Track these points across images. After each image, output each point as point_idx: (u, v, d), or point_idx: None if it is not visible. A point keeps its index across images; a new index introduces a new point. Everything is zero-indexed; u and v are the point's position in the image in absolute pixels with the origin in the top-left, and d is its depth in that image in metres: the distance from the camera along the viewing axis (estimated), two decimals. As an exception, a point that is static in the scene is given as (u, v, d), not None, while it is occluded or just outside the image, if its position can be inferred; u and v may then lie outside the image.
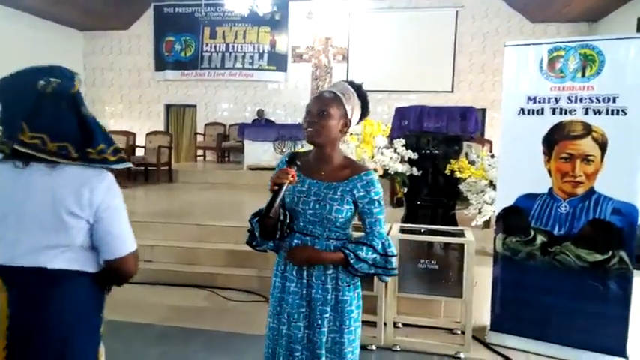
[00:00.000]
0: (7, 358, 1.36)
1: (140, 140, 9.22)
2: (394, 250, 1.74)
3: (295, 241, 1.71)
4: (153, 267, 4.64)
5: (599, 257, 2.91)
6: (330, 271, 1.70)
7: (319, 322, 1.69)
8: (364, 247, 1.67)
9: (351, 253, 1.66)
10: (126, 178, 8.21)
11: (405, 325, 3.50)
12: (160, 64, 11.67)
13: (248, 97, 11.41)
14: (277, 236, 1.72)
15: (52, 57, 10.56)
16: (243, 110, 11.45)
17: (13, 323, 1.35)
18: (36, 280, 1.35)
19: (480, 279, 3.41)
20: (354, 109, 1.72)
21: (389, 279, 1.81)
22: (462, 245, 3.13)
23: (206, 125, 11.20)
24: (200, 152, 11.21)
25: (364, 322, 3.36)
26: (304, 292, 1.71)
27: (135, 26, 11.73)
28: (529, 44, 3.12)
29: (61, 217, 1.34)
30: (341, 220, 1.67)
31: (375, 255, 1.69)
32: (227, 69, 11.37)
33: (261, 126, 9.88)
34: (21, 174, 1.35)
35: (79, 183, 1.36)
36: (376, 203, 1.70)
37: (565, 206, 3.02)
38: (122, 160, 1.45)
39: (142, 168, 8.90)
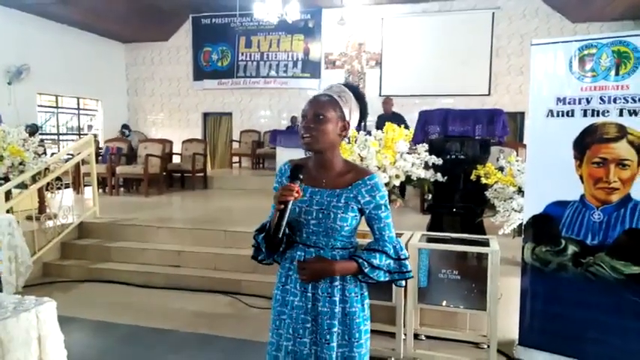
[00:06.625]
0: None
1: (177, 148, 9.42)
2: (406, 252, 1.67)
3: (299, 253, 1.64)
4: (180, 272, 4.69)
5: (636, 269, 2.69)
6: (336, 283, 1.62)
7: (327, 337, 1.60)
8: (377, 254, 1.60)
9: (365, 262, 1.59)
10: (164, 185, 8.41)
11: (428, 337, 3.37)
12: (198, 73, 11.97)
13: (283, 105, 11.50)
14: (281, 249, 1.66)
15: (97, 68, 11.14)
16: (279, 117, 11.55)
17: None
18: None
19: (510, 290, 3.24)
20: (352, 111, 1.65)
21: (404, 283, 1.72)
22: (485, 255, 2.97)
23: (241, 132, 11.36)
24: (235, 159, 11.37)
25: (383, 333, 3.30)
26: (309, 306, 1.62)
27: (174, 37, 12.09)
28: (557, 42, 2.94)
29: None
30: (346, 228, 1.60)
31: (388, 261, 1.62)
32: (262, 77, 11.52)
33: (293, 132, 9.86)
34: None
35: None
36: (383, 207, 1.62)
37: (598, 214, 2.82)
38: None
39: (179, 174, 9.11)
